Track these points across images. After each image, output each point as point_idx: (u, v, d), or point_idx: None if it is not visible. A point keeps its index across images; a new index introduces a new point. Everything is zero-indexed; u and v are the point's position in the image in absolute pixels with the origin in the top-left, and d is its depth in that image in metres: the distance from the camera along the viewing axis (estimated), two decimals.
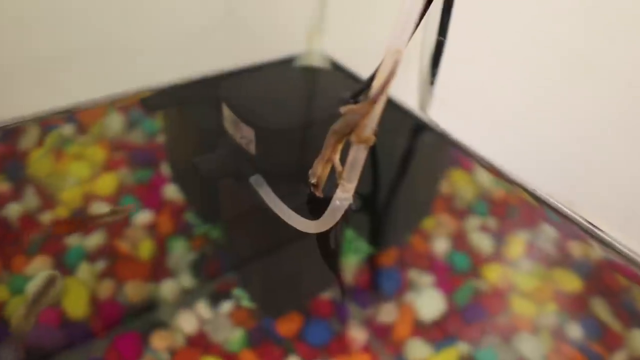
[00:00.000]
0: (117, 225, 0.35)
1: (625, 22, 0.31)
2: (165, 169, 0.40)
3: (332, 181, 0.30)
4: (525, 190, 0.37)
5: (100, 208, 0.36)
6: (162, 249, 0.34)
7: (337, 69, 0.51)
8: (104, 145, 0.40)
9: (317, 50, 0.52)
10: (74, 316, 0.31)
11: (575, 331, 0.32)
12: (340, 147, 0.29)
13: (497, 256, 0.36)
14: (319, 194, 0.31)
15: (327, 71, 0.46)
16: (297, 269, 0.35)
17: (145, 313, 0.32)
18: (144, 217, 0.36)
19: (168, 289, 0.32)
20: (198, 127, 0.44)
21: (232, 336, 0.31)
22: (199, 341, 0.30)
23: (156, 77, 0.44)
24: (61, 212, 0.36)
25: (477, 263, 0.35)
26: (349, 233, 0.37)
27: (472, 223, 0.38)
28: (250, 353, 0.30)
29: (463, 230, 0.37)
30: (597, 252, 0.35)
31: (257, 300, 0.33)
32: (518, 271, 0.35)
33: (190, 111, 0.46)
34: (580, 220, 0.36)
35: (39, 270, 0.32)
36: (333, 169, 0.30)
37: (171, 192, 0.38)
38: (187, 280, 0.33)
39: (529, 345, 0.31)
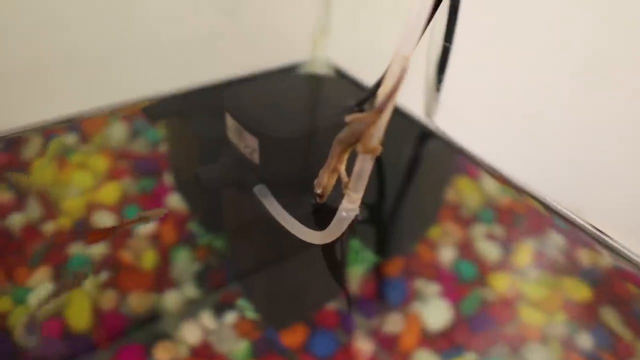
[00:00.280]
0: (120, 236, 0.35)
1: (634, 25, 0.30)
2: (168, 179, 0.40)
3: (338, 191, 0.29)
4: (533, 197, 0.37)
5: (103, 217, 0.36)
6: (165, 259, 0.34)
7: (342, 76, 0.50)
8: (107, 154, 0.40)
9: (321, 57, 0.52)
10: (77, 328, 0.30)
11: (585, 341, 0.31)
12: (346, 156, 0.29)
13: (504, 265, 0.35)
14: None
15: (332, 79, 0.46)
16: (302, 279, 0.35)
17: (149, 324, 0.31)
18: (147, 227, 0.36)
19: (172, 299, 0.32)
20: (201, 136, 0.43)
21: (237, 347, 0.30)
22: (203, 352, 0.30)
23: (159, 85, 0.44)
24: (64, 222, 0.35)
25: (484, 272, 0.35)
26: (355, 243, 0.36)
27: (479, 231, 0.37)
28: None
29: (469, 238, 0.37)
30: (606, 260, 0.35)
31: (262, 311, 0.32)
32: (526, 280, 0.35)
33: (193, 120, 0.46)
34: (589, 227, 0.36)
35: (41, 281, 0.32)
36: (339, 179, 0.30)
37: (174, 201, 0.38)
38: (191, 290, 0.33)
39: (538, 355, 0.31)
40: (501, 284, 0.34)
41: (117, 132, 0.42)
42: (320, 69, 0.51)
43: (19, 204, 0.36)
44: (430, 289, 0.34)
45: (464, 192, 0.40)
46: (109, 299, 0.32)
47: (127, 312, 0.31)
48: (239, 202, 0.35)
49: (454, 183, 0.42)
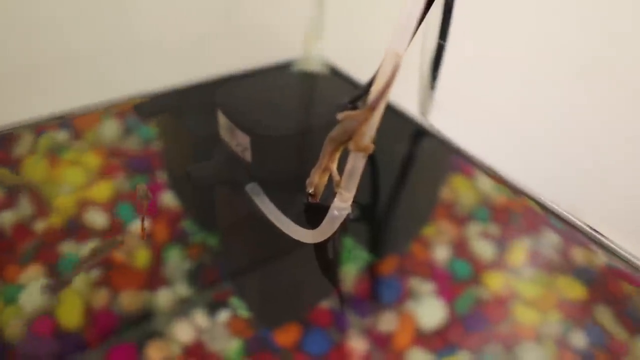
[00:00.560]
0: (112, 234, 0.35)
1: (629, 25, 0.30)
2: (161, 176, 0.39)
3: (330, 189, 0.29)
4: (527, 196, 0.37)
5: (95, 216, 0.35)
6: (157, 258, 0.34)
7: (335, 74, 0.50)
8: (100, 151, 0.40)
9: (315, 54, 0.51)
10: (68, 326, 0.30)
11: (579, 340, 0.31)
12: (337, 155, 0.29)
13: (498, 263, 0.35)
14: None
15: (325, 76, 0.46)
16: (295, 277, 0.35)
17: (141, 323, 0.31)
18: (139, 224, 0.35)
19: (164, 298, 0.32)
20: (194, 134, 0.43)
21: (230, 346, 0.30)
22: (196, 351, 0.30)
23: (152, 83, 0.44)
24: (55, 219, 0.35)
25: (478, 271, 0.35)
26: (348, 241, 0.36)
27: (473, 230, 0.37)
28: None
29: (464, 237, 0.37)
30: (601, 259, 0.35)
31: (255, 310, 0.32)
32: (520, 279, 0.35)
33: (186, 118, 0.45)
34: (584, 226, 0.36)
35: (32, 279, 0.32)
36: (331, 177, 0.30)
37: (167, 199, 0.38)
38: (183, 289, 0.33)
39: (532, 354, 0.31)
40: (496, 282, 0.34)
41: (109, 129, 0.42)
42: (314, 66, 0.51)
43: (9, 201, 0.36)
44: (425, 287, 0.34)
45: (459, 190, 0.40)
46: (100, 298, 0.32)
47: (119, 311, 0.31)
48: (232, 200, 0.35)
49: (448, 181, 0.41)
